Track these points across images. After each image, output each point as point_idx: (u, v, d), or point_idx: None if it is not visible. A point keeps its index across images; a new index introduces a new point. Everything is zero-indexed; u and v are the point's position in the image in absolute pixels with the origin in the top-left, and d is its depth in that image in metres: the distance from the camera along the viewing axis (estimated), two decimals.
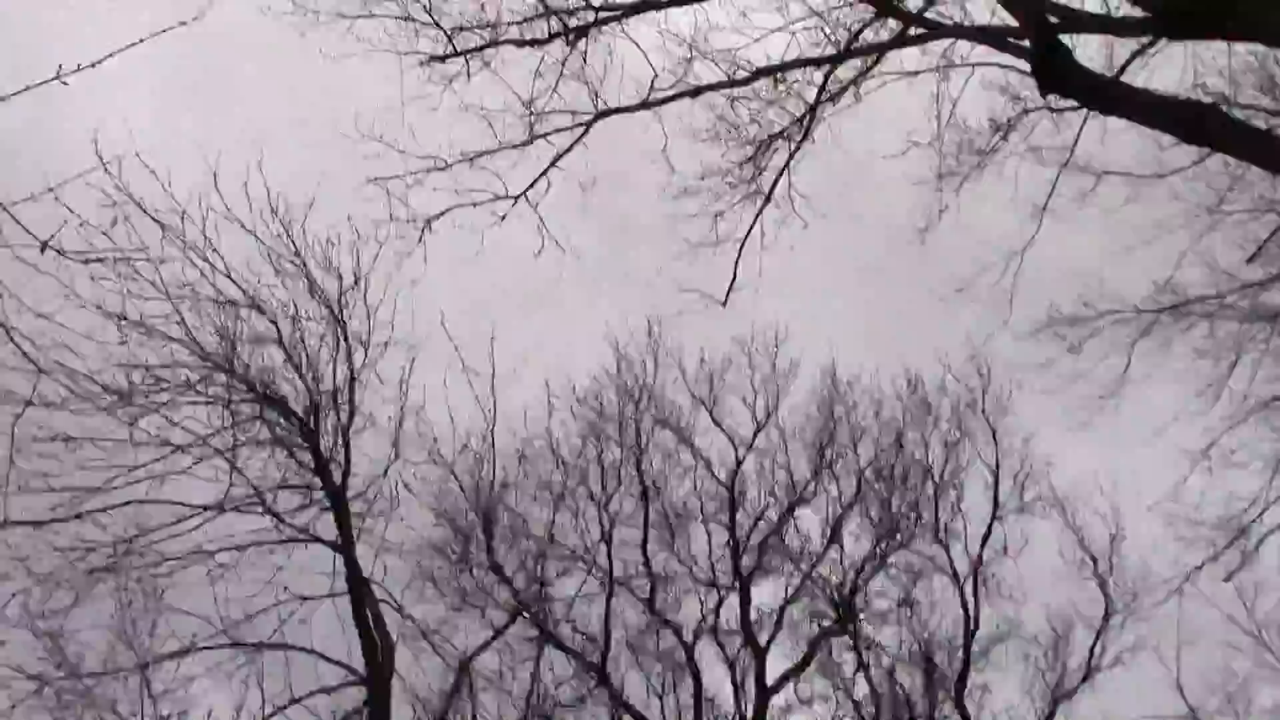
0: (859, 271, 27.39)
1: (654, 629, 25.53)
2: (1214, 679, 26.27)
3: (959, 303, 21.46)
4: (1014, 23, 15.19)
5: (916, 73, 17.94)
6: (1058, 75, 13.62)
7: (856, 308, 28.70)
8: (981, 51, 17.38)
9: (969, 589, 26.13)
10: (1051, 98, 18.90)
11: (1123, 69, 16.58)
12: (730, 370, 26.29)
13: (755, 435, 26.44)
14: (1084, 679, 25.55)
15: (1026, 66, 14.81)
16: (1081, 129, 19.34)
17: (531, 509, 24.18)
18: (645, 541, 25.49)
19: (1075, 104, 18.80)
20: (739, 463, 26.35)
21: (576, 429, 25.32)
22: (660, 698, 25.29)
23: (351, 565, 17.13)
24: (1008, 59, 16.58)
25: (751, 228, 18.17)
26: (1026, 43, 14.71)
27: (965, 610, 26.05)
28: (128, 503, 16.54)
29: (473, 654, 19.15)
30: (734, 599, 25.88)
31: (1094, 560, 25.74)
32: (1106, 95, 14.39)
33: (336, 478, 17.28)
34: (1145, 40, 16.40)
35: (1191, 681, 25.83)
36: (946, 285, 21.38)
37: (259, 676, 17.00)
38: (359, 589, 17.16)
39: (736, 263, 18.04)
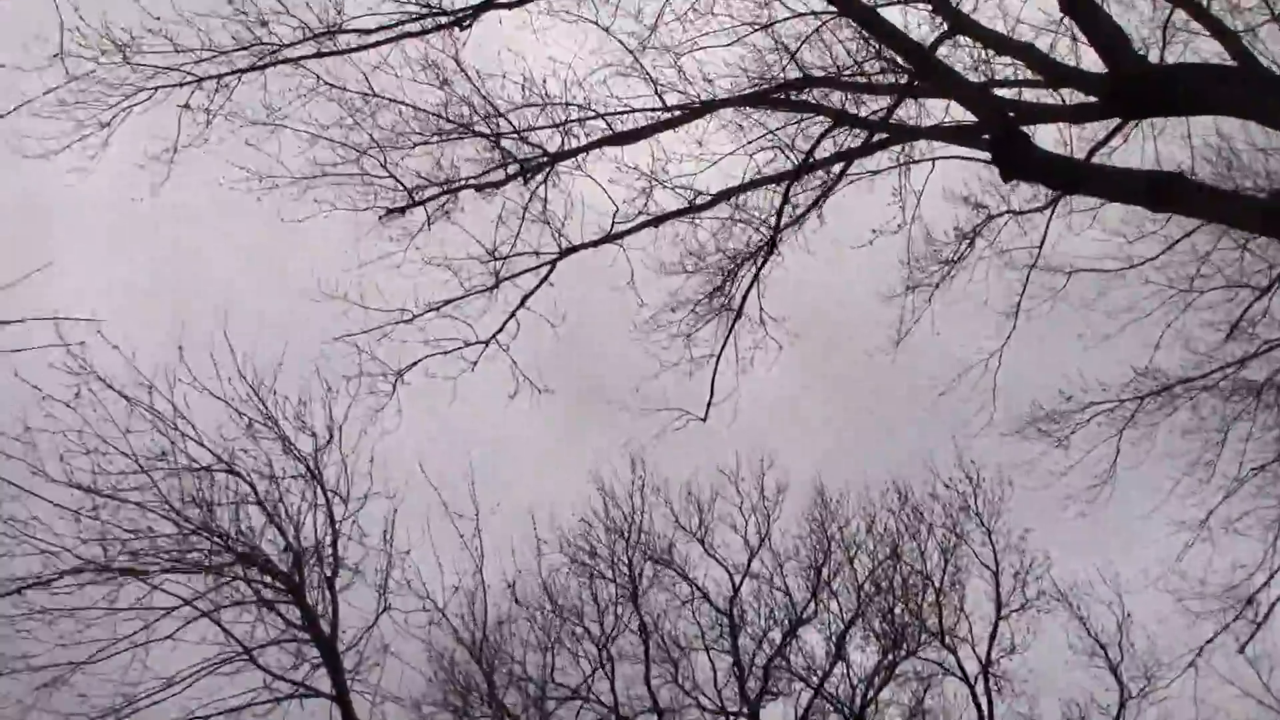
0: (836, 384, 27.43)
1: None
2: None
3: (942, 406, 21.52)
4: (972, 119, 15.36)
5: (876, 172, 18.02)
6: (1019, 161, 13.72)
7: (838, 421, 28.71)
8: (941, 146, 17.49)
9: (980, 689, 25.91)
10: (1015, 200, 19.31)
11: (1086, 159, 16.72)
12: (718, 500, 26.35)
13: (750, 561, 26.42)
14: None
15: (987, 156, 14.86)
16: (1047, 229, 19.65)
17: (529, 651, 23.90)
18: (648, 675, 25.22)
19: (1038, 206, 19.22)
20: (736, 589, 26.26)
21: (569, 569, 25.23)
22: None
23: (348, 716, 16.85)
24: (969, 152, 16.64)
25: (725, 342, 18.14)
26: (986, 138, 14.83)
27: (979, 710, 25.81)
28: None
29: None
30: None
31: (1103, 647, 25.60)
32: (1070, 174, 14.51)
33: (326, 630, 17.05)
34: (1106, 130, 16.59)
35: None
36: (926, 391, 21.54)
37: None
38: None
39: (713, 377, 17.99)
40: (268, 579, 16.82)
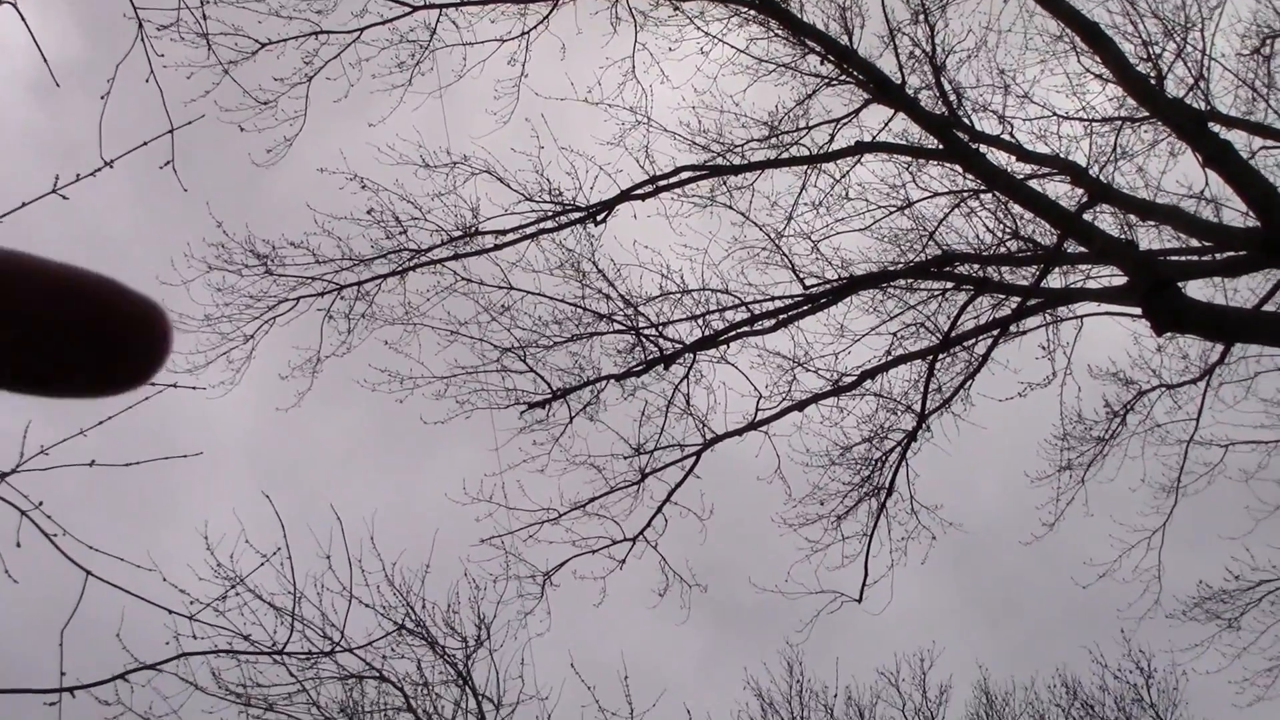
0: (991, 576, 26.68)
1: None
2: None
3: (1103, 593, 20.73)
4: (1122, 279, 15.06)
5: (1024, 332, 17.64)
6: (1172, 311, 13.31)
7: (995, 614, 27.84)
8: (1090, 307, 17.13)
9: None
10: (1166, 373, 18.82)
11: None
12: (879, 704, 25.39)
13: None
14: None
15: (1138, 311, 14.46)
16: (1203, 401, 19.10)
17: None
18: None
19: (1192, 377, 18.71)
20: None
21: None
22: None
23: None
24: (1120, 308, 16.22)
25: (877, 520, 17.62)
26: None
27: None
28: None
29: None
30: None
31: None
32: (1227, 321, 14.01)
33: None
34: (1268, 286, 16.09)
35: None
36: (1087, 576, 20.82)
37: None
38: None
39: (866, 558, 17.46)
40: None
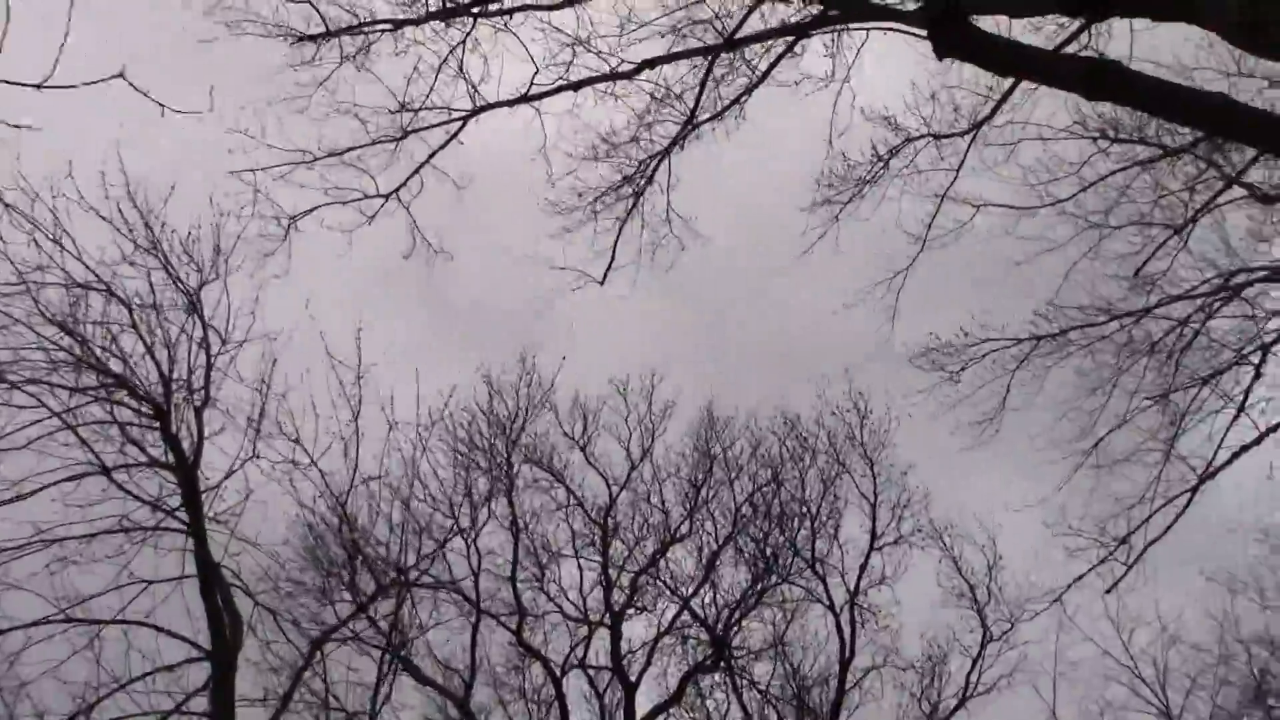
0: (738, 297, 27.20)
1: (522, 662, 24.79)
2: (1090, 708, 26.72)
3: (842, 329, 21.37)
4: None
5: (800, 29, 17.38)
6: (956, 38, 13.27)
7: (734, 335, 28.50)
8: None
9: (845, 619, 25.91)
10: (936, 123, 19.05)
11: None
12: (604, 410, 25.99)
13: (630, 473, 26.06)
14: (959, 705, 25.38)
15: (924, 33, 14.37)
16: (965, 155, 19.47)
17: (393, 532, 23.05)
18: (514, 575, 24.77)
19: (960, 130, 18.98)
20: (613, 500, 25.90)
21: (445, 459, 24.55)
22: None
23: (200, 543, 16.21)
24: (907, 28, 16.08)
25: (633, 208, 17.63)
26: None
27: (841, 640, 25.83)
28: None
29: (325, 633, 18.11)
30: (605, 635, 25.30)
31: (972, 588, 25.73)
32: (1005, 55, 14.01)
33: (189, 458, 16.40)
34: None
35: (1067, 712, 26.06)
36: (827, 308, 21.38)
37: (98, 656, 15.93)
38: (207, 568, 16.22)
39: (615, 242, 17.52)
40: (134, 403, 16.10)
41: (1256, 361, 18.87)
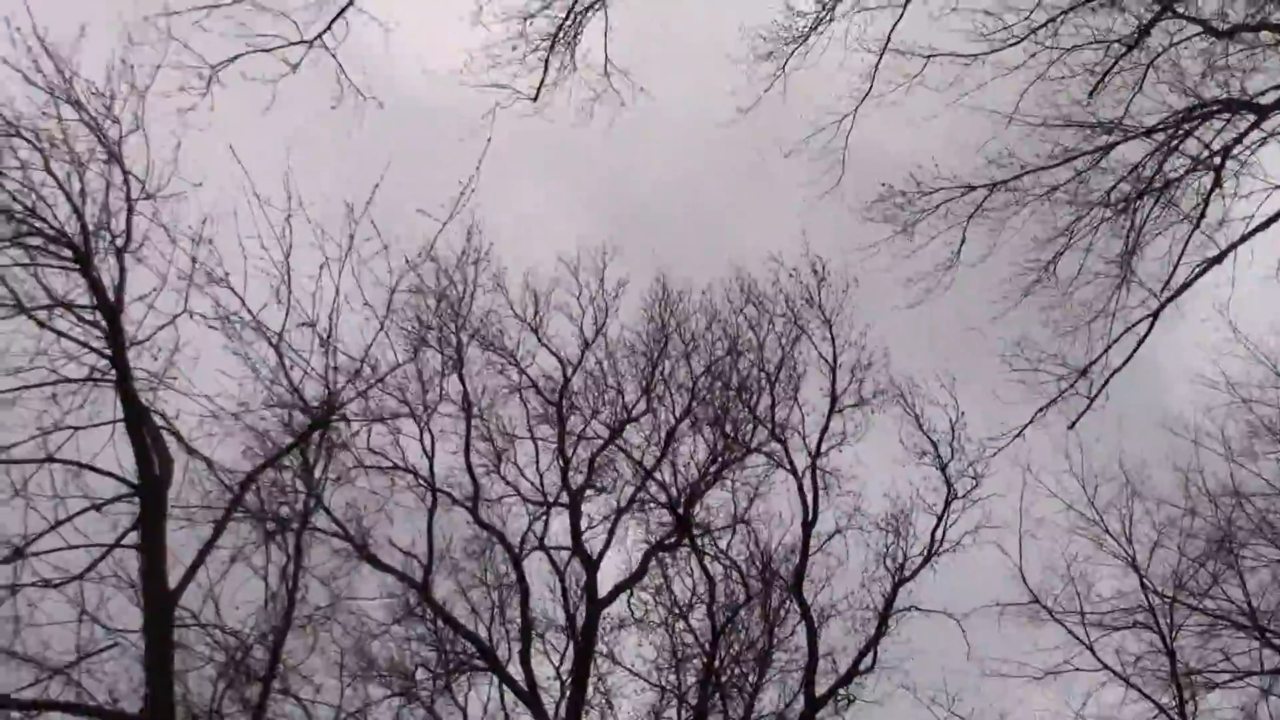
0: (684, 154, 26.70)
1: (480, 543, 24.28)
2: (1055, 564, 26.75)
3: (789, 175, 20.99)
4: None
5: None
6: None
7: (685, 199, 28.02)
8: None
9: (808, 482, 25.63)
10: None
11: None
12: (555, 291, 25.36)
13: (584, 353, 25.49)
14: (925, 562, 25.16)
15: None
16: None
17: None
18: (468, 457, 24.21)
19: None
20: (567, 380, 25.31)
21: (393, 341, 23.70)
22: (489, 612, 24.11)
23: (125, 379, 15.54)
24: None
25: (566, 19, 16.97)
26: None
27: (804, 504, 25.55)
28: None
29: (255, 470, 17.45)
30: (564, 514, 24.85)
31: (934, 444, 25.52)
32: None
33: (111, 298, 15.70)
34: None
35: (1033, 567, 25.94)
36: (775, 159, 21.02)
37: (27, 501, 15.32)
38: (134, 406, 15.59)
39: (547, 60, 16.93)
40: (52, 246, 15.39)
41: (1216, 164, 18.29)
